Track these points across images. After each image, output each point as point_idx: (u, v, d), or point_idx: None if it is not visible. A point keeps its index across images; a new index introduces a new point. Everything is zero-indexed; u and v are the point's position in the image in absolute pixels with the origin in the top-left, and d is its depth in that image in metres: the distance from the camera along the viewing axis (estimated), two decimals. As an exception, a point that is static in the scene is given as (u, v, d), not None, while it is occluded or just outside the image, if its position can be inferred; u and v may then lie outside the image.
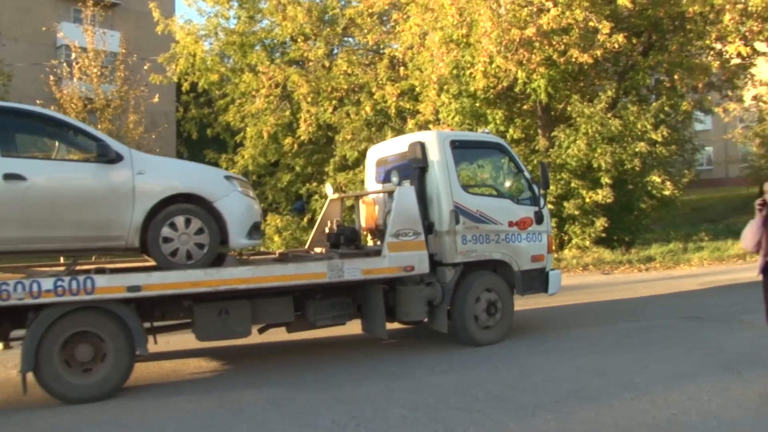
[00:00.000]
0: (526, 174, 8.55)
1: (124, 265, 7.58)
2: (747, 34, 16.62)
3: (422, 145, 7.91)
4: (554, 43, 15.45)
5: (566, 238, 17.09)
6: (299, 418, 5.30)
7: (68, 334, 5.95)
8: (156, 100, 21.91)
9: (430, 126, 17.46)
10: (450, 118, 17.23)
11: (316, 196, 19.72)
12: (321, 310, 7.29)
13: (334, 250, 8.14)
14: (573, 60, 15.52)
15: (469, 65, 16.27)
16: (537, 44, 15.40)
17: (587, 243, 16.63)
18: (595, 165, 16.13)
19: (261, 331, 7.57)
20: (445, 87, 17.06)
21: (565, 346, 7.77)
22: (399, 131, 18.79)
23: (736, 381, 5.98)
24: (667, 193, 16.80)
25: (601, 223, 16.39)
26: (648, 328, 8.70)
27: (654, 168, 17.09)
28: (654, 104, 16.99)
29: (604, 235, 16.74)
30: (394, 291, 7.54)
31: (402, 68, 19.30)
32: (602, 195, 16.01)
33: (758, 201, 5.28)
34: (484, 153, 8.99)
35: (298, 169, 21.77)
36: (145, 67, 22.17)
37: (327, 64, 20.85)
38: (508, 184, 8.59)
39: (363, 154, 20.55)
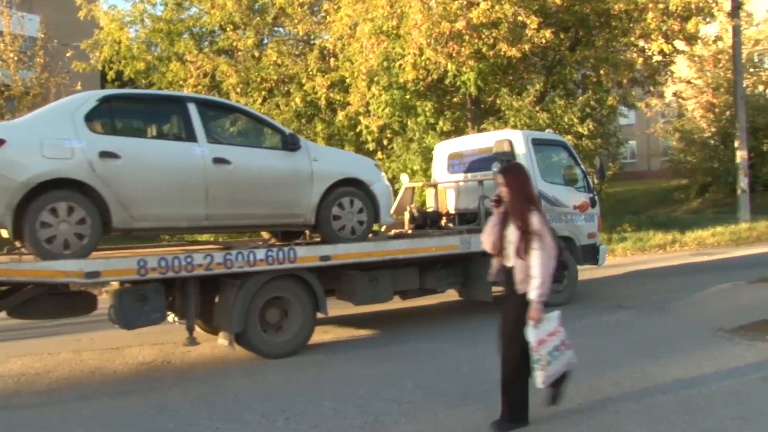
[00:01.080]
0: (582, 166, 10.54)
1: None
2: (668, 32, 17.06)
3: (510, 142, 9.57)
4: (484, 36, 15.54)
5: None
6: (228, 413, 5.23)
7: (266, 299, 7.08)
8: (78, 87, 21.04)
9: (360, 117, 17.39)
10: (380, 110, 17.19)
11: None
12: (440, 278, 8.78)
13: (420, 230, 9.63)
14: (502, 54, 15.66)
15: (399, 57, 16.23)
16: (467, 37, 15.45)
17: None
18: (524, 157, 16.31)
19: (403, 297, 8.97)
20: (375, 79, 17.00)
21: (492, 336, 7.84)
22: (329, 123, 18.67)
23: (656, 366, 6.20)
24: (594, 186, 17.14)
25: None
26: (574, 316, 8.85)
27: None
28: (580, 98, 17.31)
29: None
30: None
31: (332, 59, 19.08)
32: (535, 186, 16.22)
33: (493, 197, 4.66)
34: (552, 149, 10.61)
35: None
36: (68, 54, 21.21)
37: (257, 54, 20.45)
38: (569, 174, 10.33)
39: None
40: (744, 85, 24.53)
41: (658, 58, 18.60)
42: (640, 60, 18.13)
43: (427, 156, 16.65)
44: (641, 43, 17.98)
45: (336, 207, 7.61)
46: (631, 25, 17.04)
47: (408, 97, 16.97)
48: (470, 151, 10.46)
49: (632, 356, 6.63)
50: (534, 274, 4.39)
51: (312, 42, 20.95)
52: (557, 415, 4.88)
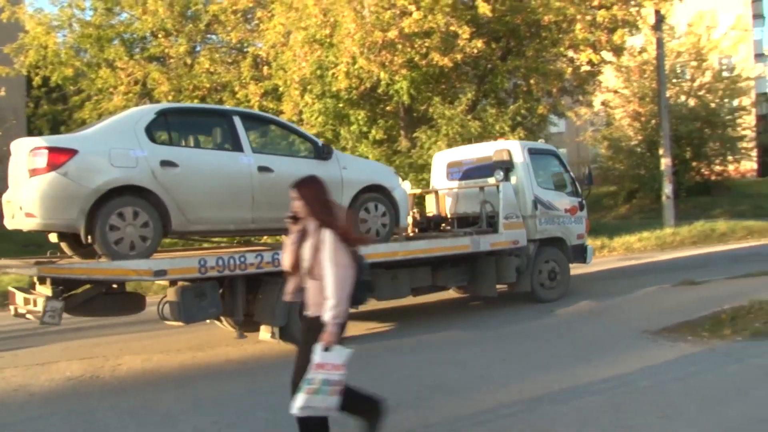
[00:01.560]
0: (570, 173, 11.49)
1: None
2: (596, 43, 17.52)
3: (509, 151, 10.45)
4: (416, 46, 15.70)
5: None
6: (159, 427, 5.15)
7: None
8: (2, 93, 20.43)
9: (294, 126, 17.35)
10: (313, 119, 17.16)
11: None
12: (449, 276, 9.65)
13: (424, 233, 10.58)
14: (434, 63, 15.82)
15: (332, 66, 16.26)
16: (399, 46, 15.59)
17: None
18: (456, 166, 16.52)
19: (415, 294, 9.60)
20: (309, 87, 16.97)
21: (425, 342, 7.97)
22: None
23: (585, 368, 6.38)
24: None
25: (463, 221, 16.84)
26: (505, 321, 9.11)
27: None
28: (512, 107, 17.65)
29: (464, 233, 17.23)
30: (495, 262, 9.87)
31: (266, 67, 19.01)
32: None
33: (289, 213, 4.36)
34: (545, 157, 11.30)
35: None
36: (-11, 58, 20.59)
37: (189, 61, 20.23)
38: (559, 180, 11.24)
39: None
40: (667, 95, 25.39)
41: (586, 68, 19.04)
42: (569, 70, 18.57)
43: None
44: (570, 53, 18.48)
45: (363, 211, 8.37)
46: (560, 35, 17.43)
47: (341, 105, 17.00)
48: (469, 160, 11.30)
49: (562, 359, 6.80)
50: (328, 295, 3.97)
51: (245, 50, 20.80)
52: (487, 420, 4.98)
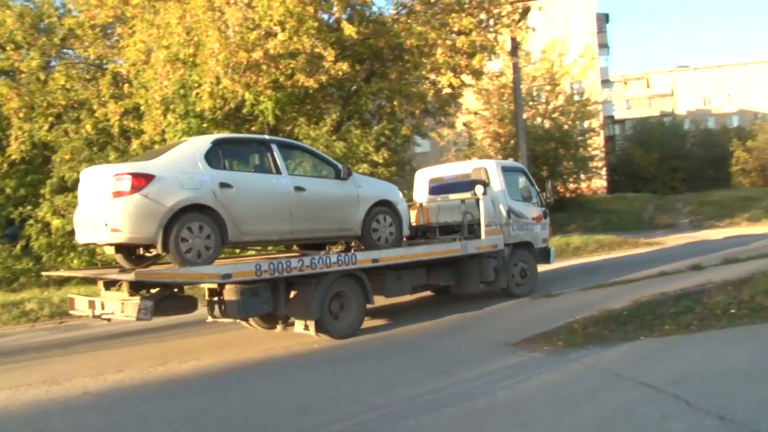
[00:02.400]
0: (535, 187, 13.49)
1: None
2: (456, 67, 18.23)
3: (485, 170, 12.45)
4: (281, 66, 15.68)
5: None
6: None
7: (332, 293, 9.19)
8: None
9: (156, 145, 16.86)
10: (176, 138, 16.74)
11: (31, 221, 17.95)
12: (441, 276, 11.36)
13: (413, 240, 11.76)
14: (299, 84, 15.88)
15: (195, 85, 15.97)
16: (264, 67, 15.53)
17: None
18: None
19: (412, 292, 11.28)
20: (171, 107, 16.56)
21: (293, 364, 7.98)
22: (123, 152, 17.87)
23: (447, 382, 6.62)
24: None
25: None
26: (371, 339, 9.22)
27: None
28: (376, 128, 18.01)
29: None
30: (478, 263, 11.63)
31: (127, 85, 18.33)
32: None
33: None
34: (515, 174, 13.30)
35: (9, 191, 19.70)
36: None
37: (42, 77, 19.13)
38: (526, 193, 13.13)
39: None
40: (524, 117, 26.78)
41: (447, 90, 19.63)
42: (431, 92, 19.12)
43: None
44: (432, 76, 19.04)
45: (374, 222, 9.95)
46: (422, 59, 17.93)
47: (205, 125, 16.66)
48: (450, 177, 13.21)
49: (426, 374, 6.98)
50: None
51: (104, 66, 19.89)
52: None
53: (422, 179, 13.58)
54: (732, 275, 11.08)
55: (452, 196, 12.54)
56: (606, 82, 57.62)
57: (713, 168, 64.44)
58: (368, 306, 9.81)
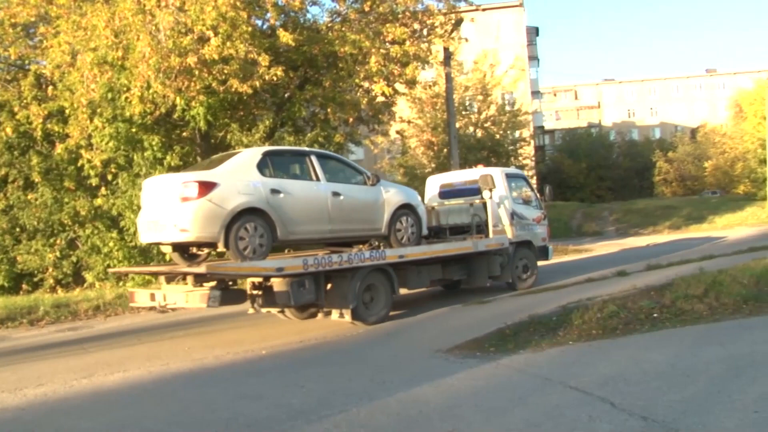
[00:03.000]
0: (535, 191, 15.54)
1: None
2: (389, 76, 18.31)
3: (491, 176, 13.67)
4: (214, 72, 15.40)
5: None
6: None
7: (365, 285, 10.41)
8: None
9: (82, 151, 16.41)
10: (104, 144, 16.30)
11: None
12: (454, 271, 12.91)
13: (428, 239, 12.85)
14: (233, 90, 15.66)
15: (125, 89, 15.57)
16: (197, 72, 15.21)
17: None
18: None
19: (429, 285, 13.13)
20: (98, 110, 16.10)
21: (221, 374, 7.82)
22: (47, 156, 17.31)
23: (380, 390, 6.58)
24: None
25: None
26: (305, 348, 9.16)
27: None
28: (309, 135, 17.91)
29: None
30: (486, 260, 13.20)
31: (51, 87, 17.74)
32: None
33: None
34: (517, 180, 15.27)
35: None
36: None
37: (-43, 76, 18.40)
38: (526, 197, 15.05)
39: (3, 180, 18.47)
40: (457, 126, 27.11)
41: (381, 99, 19.74)
42: (365, 100, 19.21)
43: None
44: (366, 84, 19.10)
45: (398, 223, 11.38)
46: (356, 67, 17.94)
47: (134, 130, 16.26)
48: (459, 183, 14.74)
49: (359, 383, 6.94)
50: None
51: (26, 67, 19.24)
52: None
53: (433, 184, 15.32)
54: (654, 281, 11.44)
55: (463, 201, 14.14)
56: (536, 94, 58.96)
57: (637, 177, 66.88)
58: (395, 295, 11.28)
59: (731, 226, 33.31)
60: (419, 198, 12.19)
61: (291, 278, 9.54)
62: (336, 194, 10.40)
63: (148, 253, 16.91)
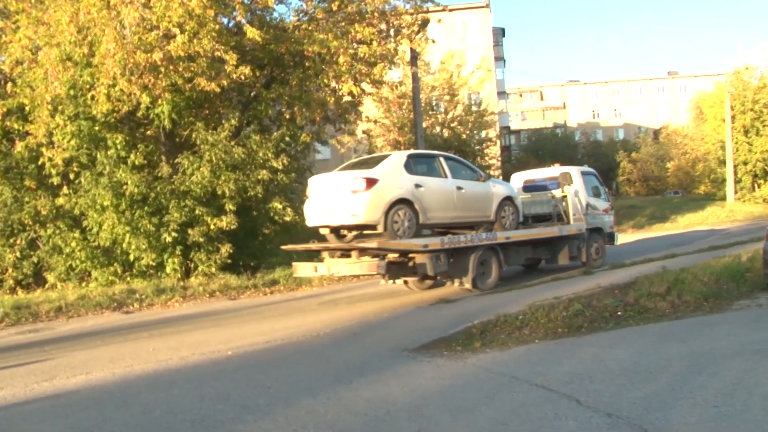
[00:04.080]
0: (603, 186, 18.15)
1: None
2: (357, 75, 18.28)
3: (569, 173, 16.94)
4: (181, 69, 15.21)
5: (192, 266, 16.96)
6: None
7: (481, 260, 13.20)
8: None
9: (43, 149, 16.09)
10: (65, 142, 16.02)
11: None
12: (541, 252, 15.68)
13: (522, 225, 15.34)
14: (199, 88, 15.52)
15: (87, 86, 15.28)
16: (163, 69, 14.99)
17: (213, 270, 16.69)
18: (219, 192, 16.32)
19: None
20: (60, 108, 15.80)
21: (186, 376, 7.69)
22: (6, 154, 16.94)
23: (347, 390, 6.54)
24: (288, 218, 17.56)
25: (226, 249, 16.64)
26: (271, 348, 9.05)
27: (276, 195, 17.88)
28: (275, 134, 17.84)
29: (229, 261, 16.99)
30: (567, 243, 15.72)
31: (10, 84, 17.36)
32: (227, 221, 16.29)
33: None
34: (590, 176, 17.82)
35: None
36: None
37: None
38: (596, 191, 17.64)
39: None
40: (424, 126, 27.16)
41: (348, 98, 19.70)
42: (332, 100, 19.11)
43: (118, 191, 15.81)
44: (333, 84, 19.01)
45: (502, 211, 14.09)
46: (323, 67, 17.89)
47: (97, 128, 16.00)
48: (540, 179, 17.32)
49: (326, 383, 6.86)
50: None
51: (-16, 63, 18.79)
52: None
53: (518, 180, 17.69)
54: (619, 279, 11.64)
55: (543, 194, 16.33)
56: (502, 94, 59.32)
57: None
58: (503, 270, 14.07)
59: (692, 226, 33.89)
60: (515, 191, 15.05)
61: (430, 253, 12.19)
62: (459, 188, 13.13)
63: (111, 253, 16.68)
